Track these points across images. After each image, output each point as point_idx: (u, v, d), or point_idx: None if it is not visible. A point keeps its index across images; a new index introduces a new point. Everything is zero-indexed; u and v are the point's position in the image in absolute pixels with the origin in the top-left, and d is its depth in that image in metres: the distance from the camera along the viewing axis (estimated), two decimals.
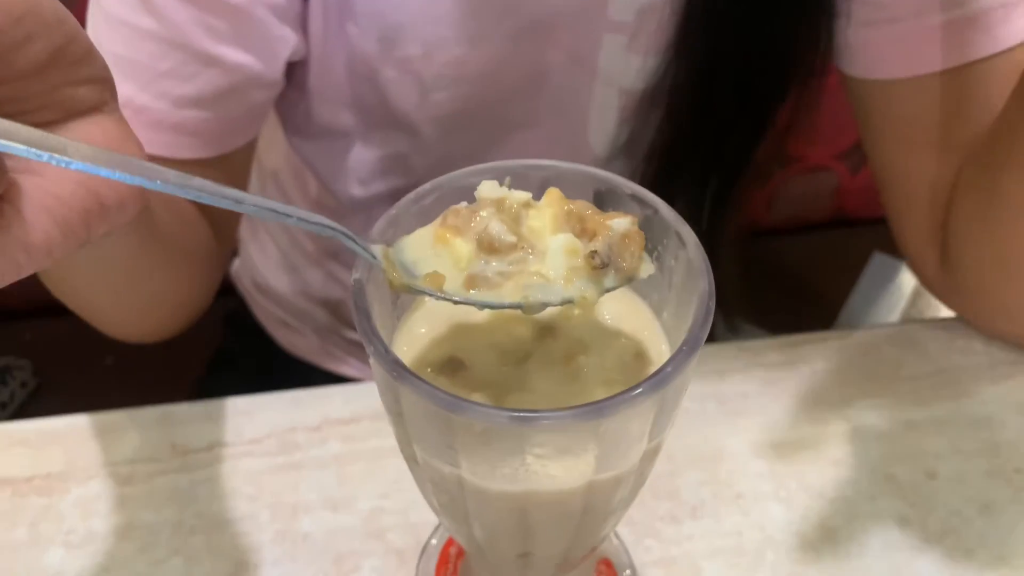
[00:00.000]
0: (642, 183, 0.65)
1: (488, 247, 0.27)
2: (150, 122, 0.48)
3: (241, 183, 0.58)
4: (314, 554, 0.46)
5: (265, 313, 0.79)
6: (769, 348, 0.55)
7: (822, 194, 1.10)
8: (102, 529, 0.47)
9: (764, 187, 0.70)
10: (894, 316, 1.07)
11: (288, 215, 0.25)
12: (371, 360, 0.26)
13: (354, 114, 0.57)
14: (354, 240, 0.27)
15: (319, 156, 0.62)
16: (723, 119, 0.59)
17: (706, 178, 0.64)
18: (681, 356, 0.27)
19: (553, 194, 0.29)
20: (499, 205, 0.28)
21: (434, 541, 0.46)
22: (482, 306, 0.27)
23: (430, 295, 0.28)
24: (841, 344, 0.56)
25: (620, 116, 0.59)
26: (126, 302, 0.53)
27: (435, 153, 0.59)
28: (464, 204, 0.29)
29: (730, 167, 0.62)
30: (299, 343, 0.78)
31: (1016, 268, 0.50)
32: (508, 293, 0.27)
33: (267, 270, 0.77)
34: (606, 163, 0.62)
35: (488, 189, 0.29)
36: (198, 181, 0.23)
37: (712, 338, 0.81)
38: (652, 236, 0.31)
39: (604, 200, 0.31)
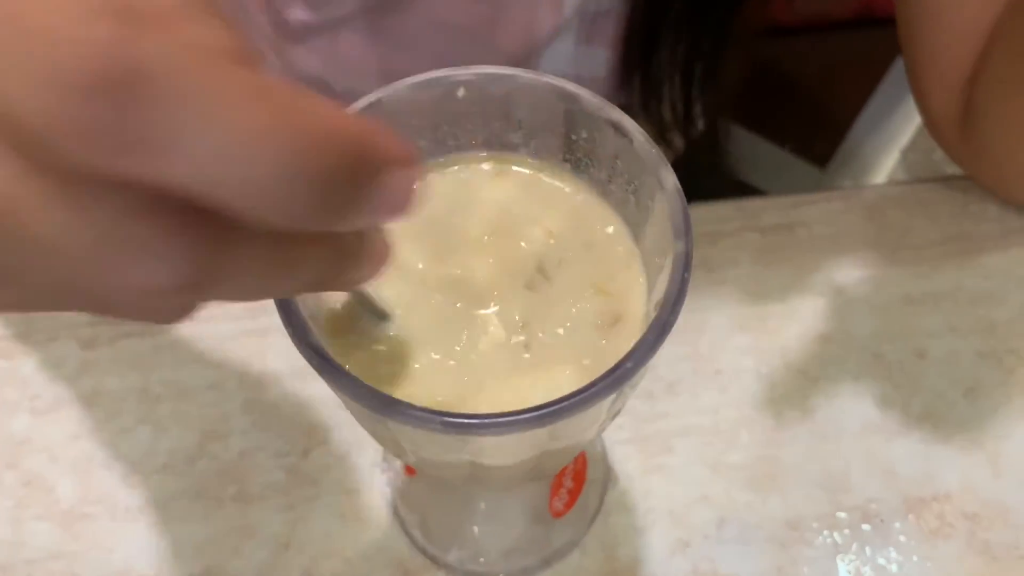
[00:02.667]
0: (632, 10, 0.57)
1: None
2: None
3: None
4: (283, 425, 0.45)
5: None
6: (767, 208, 0.52)
7: None
8: (68, 395, 0.46)
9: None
10: (911, 127, 1.01)
11: None
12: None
13: None
14: None
15: None
16: None
17: (703, 8, 0.57)
18: (645, 348, 0.23)
19: None
20: None
21: None
22: None
23: None
24: (846, 205, 0.52)
25: None
26: None
27: None
28: None
29: None
30: None
31: None
32: None
33: None
34: None
35: None
36: None
37: (714, 173, 0.77)
38: (628, 169, 0.26)
39: (575, 122, 0.26)
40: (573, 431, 0.25)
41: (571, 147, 0.28)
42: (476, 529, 0.43)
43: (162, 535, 0.43)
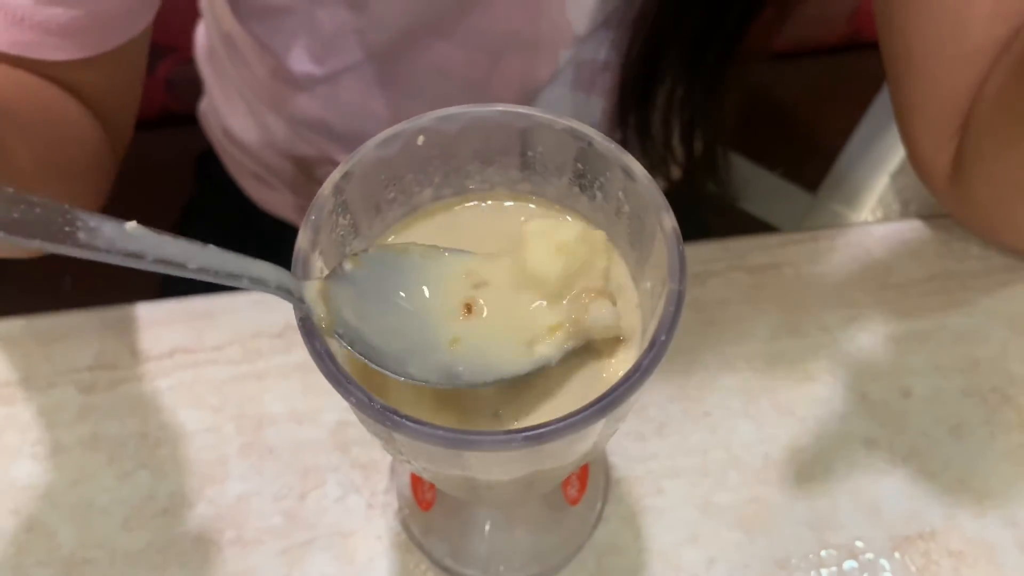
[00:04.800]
0: (625, 61, 0.59)
1: None
2: (12, 20, 0.41)
3: (131, 81, 0.51)
4: (280, 468, 0.46)
5: (236, 164, 0.75)
6: (754, 248, 0.53)
7: (838, 15, 1.01)
8: (68, 440, 0.47)
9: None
10: (900, 150, 1.03)
11: (238, 275, 0.24)
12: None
13: None
14: (289, 292, 0.25)
15: (264, 32, 0.56)
16: None
17: (699, 51, 0.58)
18: (639, 375, 0.24)
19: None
20: None
21: None
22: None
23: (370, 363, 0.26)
24: (831, 245, 0.53)
25: None
26: None
27: (391, 27, 0.53)
28: None
29: (725, 41, 0.56)
30: (271, 198, 0.75)
31: None
32: None
33: (233, 119, 0.72)
34: (585, 40, 0.55)
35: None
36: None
37: (703, 200, 0.77)
38: (591, 168, 0.28)
39: (530, 139, 0.28)
40: (562, 454, 0.26)
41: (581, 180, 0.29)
42: (504, 537, 0.44)
43: None
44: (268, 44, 0.57)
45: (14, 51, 0.42)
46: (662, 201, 0.26)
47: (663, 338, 0.24)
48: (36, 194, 0.21)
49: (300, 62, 0.56)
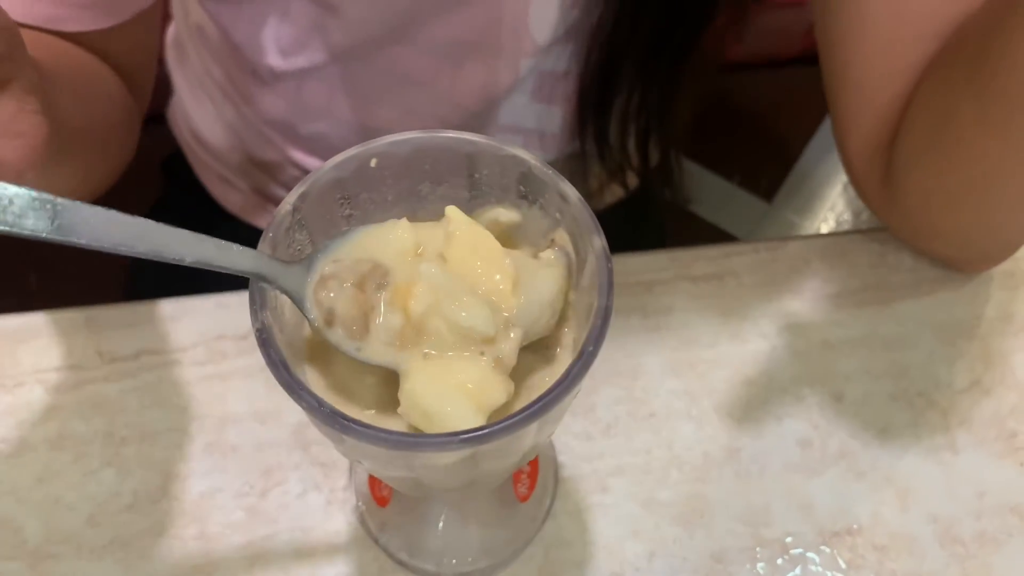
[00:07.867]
0: (584, 70, 0.61)
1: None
2: None
3: (151, 42, 0.56)
4: (242, 466, 0.48)
5: (202, 166, 0.77)
6: (699, 258, 0.55)
7: (794, 31, 1.05)
8: (34, 439, 0.48)
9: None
10: None
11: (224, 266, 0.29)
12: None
13: None
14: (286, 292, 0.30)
15: (233, 22, 0.58)
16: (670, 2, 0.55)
17: (654, 59, 0.61)
18: (568, 382, 0.27)
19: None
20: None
21: None
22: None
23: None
24: (772, 256, 0.56)
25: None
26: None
27: (357, 30, 0.56)
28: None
29: (679, 50, 0.59)
30: (236, 200, 0.76)
31: (959, 197, 0.48)
32: None
33: (202, 121, 0.74)
34: (547, 50, 0.58)
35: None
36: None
37: (656, 199, 0.79)
38: (532, 189, 0.31)
39: (476, 162, 0.30)
40: (500, 455, 0.28)
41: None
42: (457, 532, 0.47)
43: (126, 573, 0.45)
44: (234, 33, 0.59)
45: (47, 25, 0.46)
46: (593, 224, 0.28)
47: (591, 349, 0.26)
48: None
49: (266, 54, 0.58)
